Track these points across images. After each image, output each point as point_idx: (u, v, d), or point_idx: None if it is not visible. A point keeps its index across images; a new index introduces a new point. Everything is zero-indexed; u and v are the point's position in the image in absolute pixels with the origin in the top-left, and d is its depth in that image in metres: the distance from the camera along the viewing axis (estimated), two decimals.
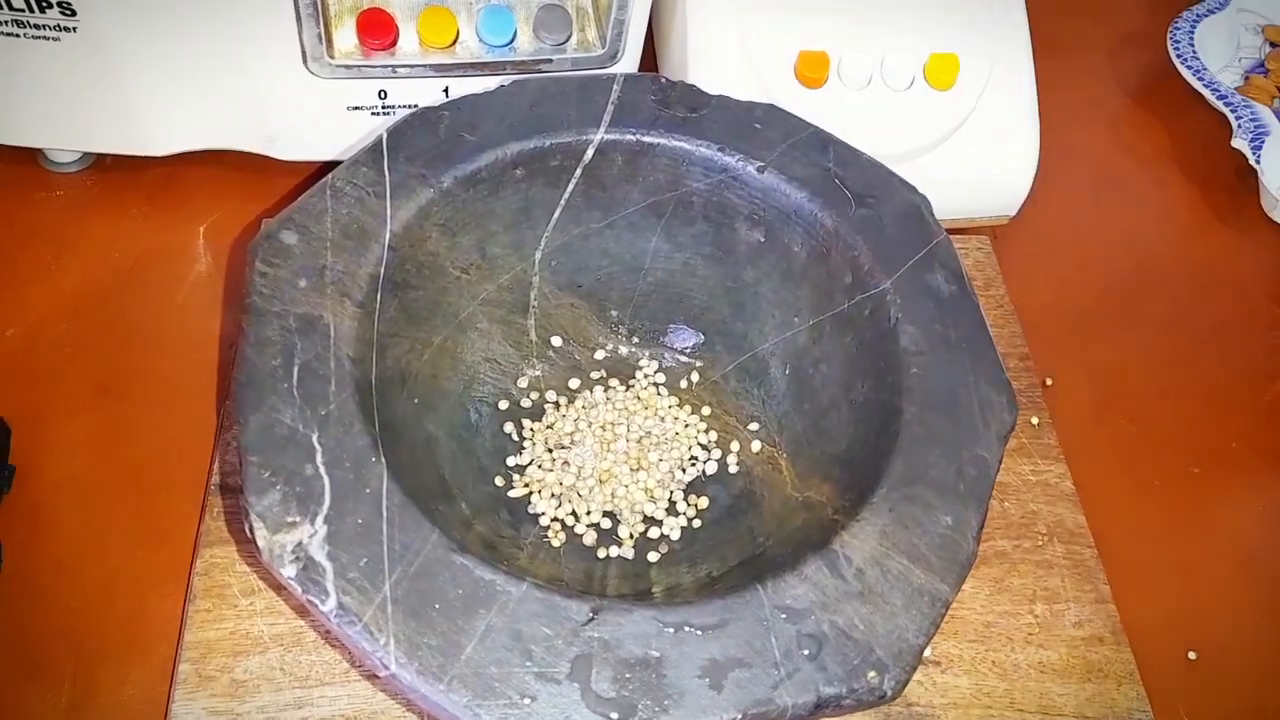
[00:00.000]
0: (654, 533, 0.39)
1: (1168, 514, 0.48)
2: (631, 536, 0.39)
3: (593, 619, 0.28)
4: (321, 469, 0.29)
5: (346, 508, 0.29)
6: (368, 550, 0.29)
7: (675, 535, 0.39)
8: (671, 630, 0.28)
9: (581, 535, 0.39)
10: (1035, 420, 0.49)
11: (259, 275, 0.33)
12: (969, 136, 0.53)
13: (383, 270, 0.34)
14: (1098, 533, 0.46)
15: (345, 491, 0.29)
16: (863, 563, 0.30)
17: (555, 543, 0.39)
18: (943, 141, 0.53)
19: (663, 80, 0.40)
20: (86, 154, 0.53)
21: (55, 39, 0.46)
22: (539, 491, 0.39)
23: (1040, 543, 0.45)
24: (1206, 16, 0.66)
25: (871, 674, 0.28)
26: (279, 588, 0.40)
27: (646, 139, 0.39)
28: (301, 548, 0.28)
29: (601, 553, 0.39)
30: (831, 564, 0.30)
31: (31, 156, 0.53)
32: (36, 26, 0.45)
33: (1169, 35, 0.64)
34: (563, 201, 0.40)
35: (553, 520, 0.39)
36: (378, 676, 0.37)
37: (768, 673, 0.28)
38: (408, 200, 0.35)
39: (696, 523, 0.40)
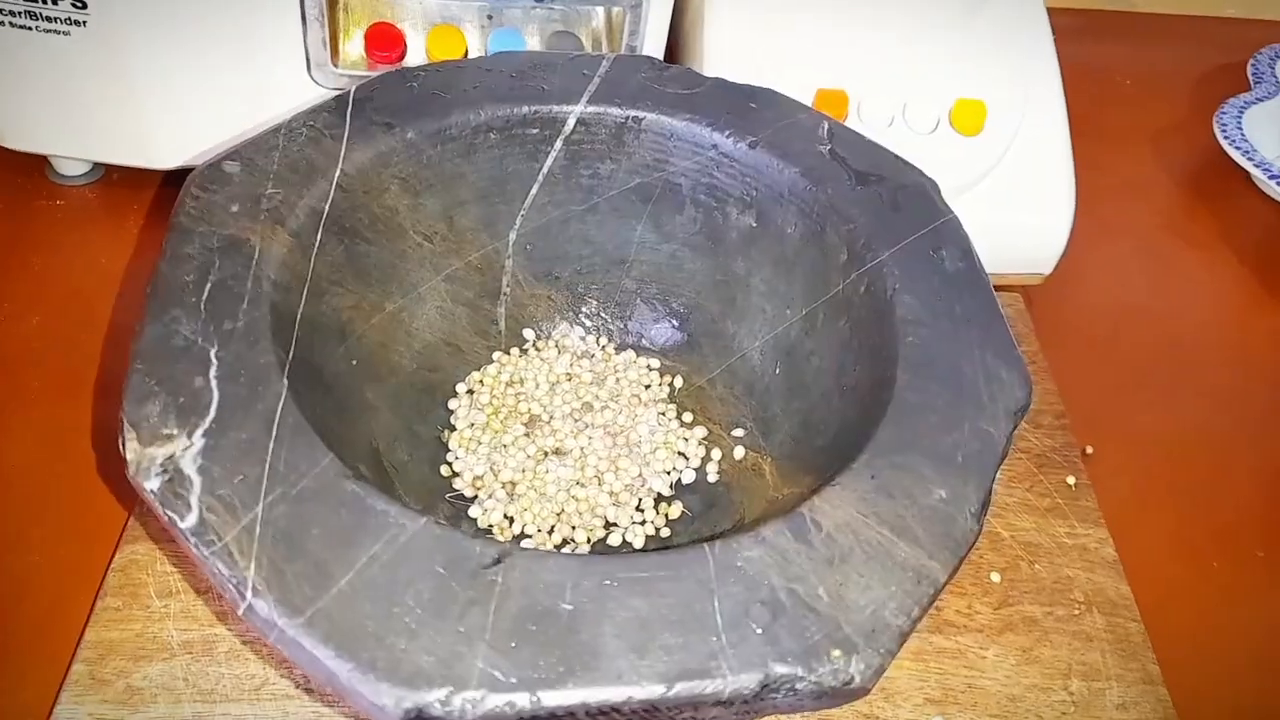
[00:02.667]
0: (614, 538, 0.34)
1: (1227, 598, 0.42)
2: (589, 541, 0.34)
3: (499, 561, 0.23)
4: (213, 382, 0.26)
5: (231, 422, 0.25)
6: (247, 468, 0.24)
7: (639, 543, 0.34)
8: (591, 583, 0.23)
9: (531, 535, 0.34)
10: (1072, 481, 0.44)
11: (190, 199, 0.30)
12: (998, 185, 0.50)
13: (327, 207, 0.31)
14: (1145, 608, 0.40)
15: (234, 406, 0.26)
16: (834, 529, 0.25)
17: (501, 539, 0.34)
18: (969, 189, 0.50)
19: (657, 61, 0.38)
20: (94, 169, 0.53)
21: (65, 33, 0.46)
22: (487, 484, 0.35)
23: (1077, 611, 0.39)
24: (1255, 104, 0.64)
25: (836, 653, 0.22)
26: (200, 590, 0.36)
27: (633, 113, 0.36)
28: (172, 460, 0.24)
29: None
30: (796, 528, 0.25)
31: (39, 168, 0.53)
32: (48, 19, 0.46)
33: (1215, 120, 0.61)
34: (541, 176, 0.37)
35: (502, 516, 0.34)
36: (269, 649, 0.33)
37: (705, 640, 0.22)
38: (366, 144, 0.33)
39: (665, 531, 0.35)
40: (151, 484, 0.24)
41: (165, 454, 0.25)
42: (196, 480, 0.24)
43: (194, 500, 0.24)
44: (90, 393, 0.43)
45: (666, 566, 0.24)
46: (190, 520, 0.23)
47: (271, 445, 0.25)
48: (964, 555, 0.25)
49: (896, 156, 0.36)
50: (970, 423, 0.28)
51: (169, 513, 0.24)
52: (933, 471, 0.26)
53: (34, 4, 0.45)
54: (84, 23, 0.45)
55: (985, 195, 0.49)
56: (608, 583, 0.23)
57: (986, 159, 0.49)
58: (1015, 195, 0.50)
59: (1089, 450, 0.46)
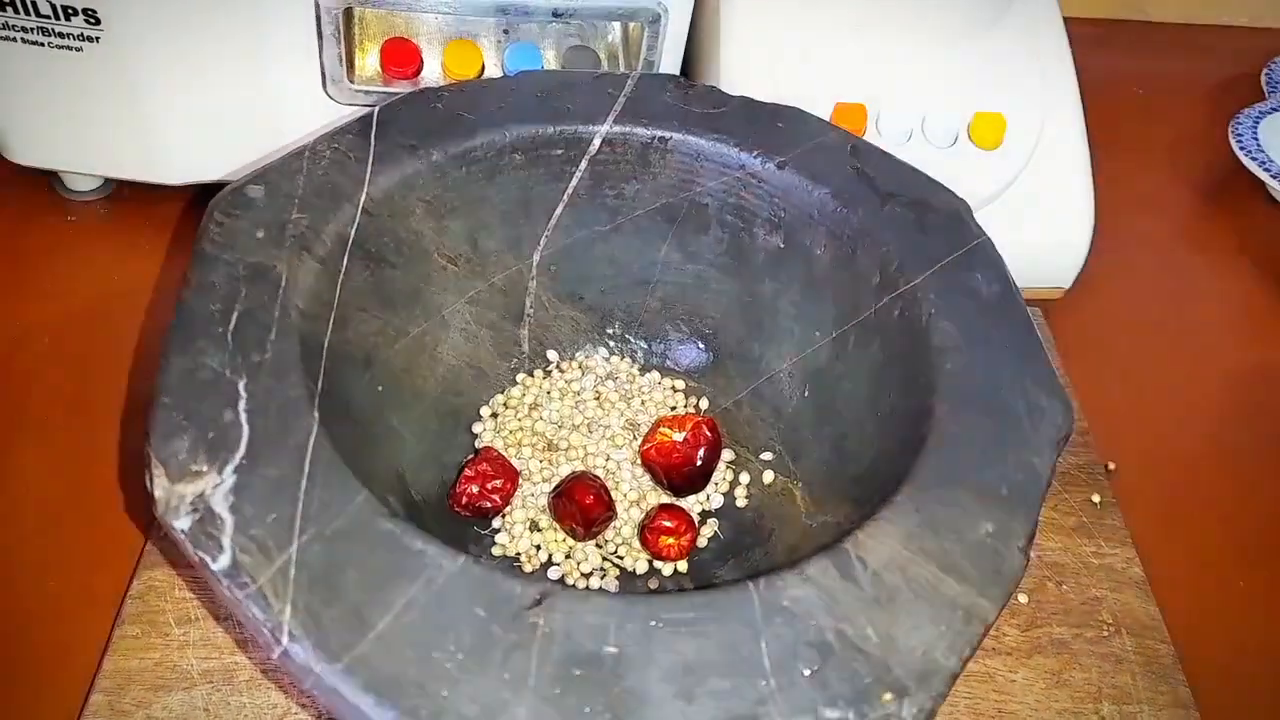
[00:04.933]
0: (641, 565, 0.34)
1: (1256, 618, 0.42)
2: (617, 568, 0.33)
3: (540, 603, 0.23)
4: (242, 416, 0.25)
5: (263, 458, 0.25)
6: (279, 507, 0.24)
7: (667, 570, 0.34)
8: (635, 625, 0.23)
9: (558, 564, 0.33)
10: (1096, 499, 0.43)
11: (214, 225, 0.30)
12: (1018, 199, 0.49)
13: (353, 232, 0.31)
14: (1174, 629, 0.39)
15: (265, 441, 0.25)
16: (880, 566, 0.24)
17: (528, 569, 0.33)
18: (989, 203, 0.49)
19: (681, 80, 0.38)
20: (104, 184, 0.52)
21: (78, 49, 0.45)
22: (513, 514, 0.34)
23: (1105, 633, 0.39)
24: (1269, 114, 0.63)
25: (888, 696, 0.22)
26: (219, 617, 0.36)
27: (659, 133, 0.36)
28: (202, 499, 0.24)
29: (581, 584, 0.33)
30: (842, 565, 0.24)
31: (49, 184, 0.52)
32: (60, 35, 0.45)
33: (1230, 130, 0.61)
34: (565, 197, 0.36)
35: (530, 544, 0.34)
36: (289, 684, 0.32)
37: (753, 684, 0.22)
38: (391, 167, 0.32)
39: (695, 557, 0.34)
40: (182, 523, 0.23)
41: (195, 491, 0.24)
42: (228, 519, 0.23)
43: (226, 541, 0.23)
44: (103, 415, 0.43)
45: (711, 606, 0.23)
46: (223, 561, 0.23)
47: (304, 483, 0.24)
48: (1013, 591, 0.25)
49: (927, 177, 0.36)
50: (1014, 454, 0.27)
51: (200, 553, 0.23)
52: (978, 505, 0.26)
53: (46, 20, 0.44)
54: (97, 39, 0.45)
55: (1004, 209, 0.49)
56: (652, 623, 0.23)
57: (1006, 173, 0.49)
58: (1035, 209, 0.49)
59: (1111, 467, 0.45)
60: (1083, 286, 0.51)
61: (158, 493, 0.24)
